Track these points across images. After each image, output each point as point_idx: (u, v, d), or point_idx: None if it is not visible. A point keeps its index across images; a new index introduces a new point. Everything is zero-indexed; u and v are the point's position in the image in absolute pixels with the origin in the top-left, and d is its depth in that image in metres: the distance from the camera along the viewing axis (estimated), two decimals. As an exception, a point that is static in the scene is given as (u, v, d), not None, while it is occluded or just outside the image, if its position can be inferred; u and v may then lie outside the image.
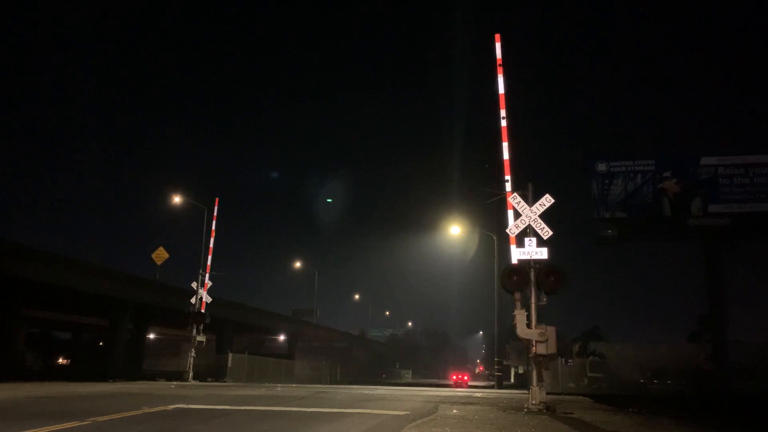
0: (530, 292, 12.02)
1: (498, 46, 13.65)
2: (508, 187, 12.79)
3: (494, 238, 29.91)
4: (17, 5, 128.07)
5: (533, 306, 11.92)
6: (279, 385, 26.34)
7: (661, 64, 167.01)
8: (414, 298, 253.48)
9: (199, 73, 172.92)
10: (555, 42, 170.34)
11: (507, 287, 12.36)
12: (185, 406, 11.70)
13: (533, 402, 11.52)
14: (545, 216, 12.30)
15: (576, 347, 33.80)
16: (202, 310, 27.56)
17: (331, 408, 11.68)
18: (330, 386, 28.06)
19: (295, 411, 11.14)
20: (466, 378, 61.94)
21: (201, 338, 27.40)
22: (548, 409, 11.49)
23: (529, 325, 11.80)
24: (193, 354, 27.84)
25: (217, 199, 29.96)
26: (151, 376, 34.44)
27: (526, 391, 13.76)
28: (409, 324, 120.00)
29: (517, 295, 12.19)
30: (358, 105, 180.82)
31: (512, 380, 41.45)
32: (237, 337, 53.32)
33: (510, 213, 12.69)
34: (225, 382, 30.26)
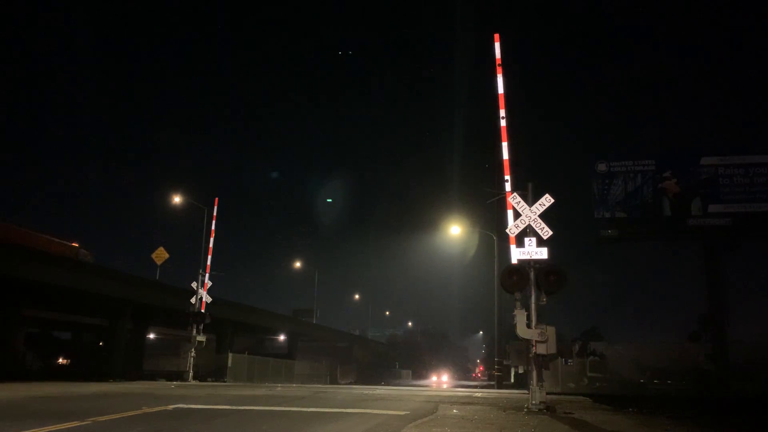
0: (530, 292, 12.02)
1: (497, 45, 13.65)
2: (508, 187, 12.79)
3: (494, 238, 29.90)
4: (21, 3, 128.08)
5: (533, 306, 11.92)
6: (279, 385, 26.37)
7: (662, 64, 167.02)
8: (414, 298, 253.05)
9: (196, 73, 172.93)
10: (555, 42, 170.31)
11: (507, 287, 12.36)
12: (185, 406, 11.71)
13: (533, 402, 11.52)
14: (545, 216, 12.30)
15: (576, 347, 33.74)
16: (202, 310, 27.57)
17: (331, 408, 11.68)
18: (330, 386, 28.09)
19: (296, 411, 11.15)
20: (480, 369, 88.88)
21: (201, 338, 27.42)
22: (548, 409, 11.49)
23: (529, 325, 11.81)
24: (193, 354, 27.85)
25: (216, 199, 30.03)
26: (151, 376, 34.44)
27: (526, 391, 13.75)
28: (410, 324, 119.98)
29: (517, 295, 12.18)
30: (358, 105, 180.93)
31: (512, 380, 41.40)
32: (237, 337, 53.30)
33: (510, 213, 12.69)
34: (225, 382, 30.27)
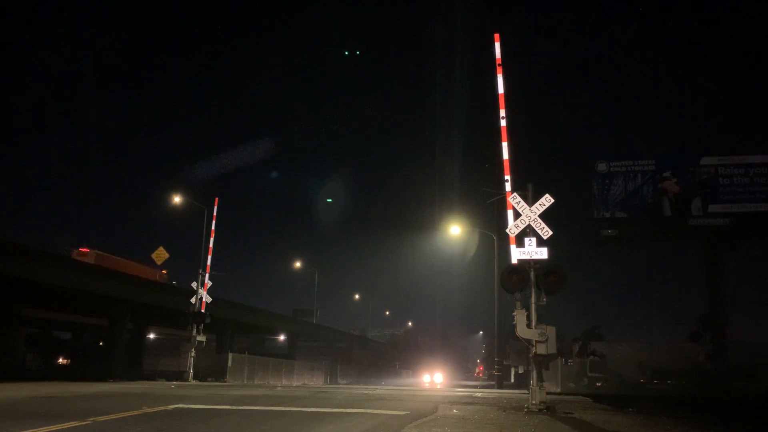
0: (530, 292, 12.01)
1: (497, 45, 13.64)
2: (508, 187, 12.78)
3: (494, 238, 29.88)
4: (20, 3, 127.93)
5: (533, 306, 11.91)
6: (279, 385, 26.38)
7: (661, 64, 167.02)
8: (414, 298, 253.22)
9: (196, 73, 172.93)
10: (555, 42, 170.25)
11: (507, 287, 12.36)
12: (185, 406, 11.70)
13: (533, 402, 11.51)
14: (545, 216, 12.29)
15: (576, 347, 33.76)
16: (202, 310, 27.57)
17: (331, 408, 11.68)
18: (330, 386, 28.09)
19: (296, 411, 11.14)
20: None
21: (201, 338, 27.41)
22: (548, 409, 11.48)
23: (529, 325, 11.80)
24: (193, 354, 27.85)
25: (216, 199, 30.00)
26: (151, 376, 34.45)
27: (526, 391, 13.75)
28: (410, 324, 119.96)
29: (517, 295, 12.18)
30: (358, 105, 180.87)
31: (512, 380, 41.41)
32: (237, 337, 53.30)
33: (510, 213, 12.69)
34: (225, 382, 30.26)
